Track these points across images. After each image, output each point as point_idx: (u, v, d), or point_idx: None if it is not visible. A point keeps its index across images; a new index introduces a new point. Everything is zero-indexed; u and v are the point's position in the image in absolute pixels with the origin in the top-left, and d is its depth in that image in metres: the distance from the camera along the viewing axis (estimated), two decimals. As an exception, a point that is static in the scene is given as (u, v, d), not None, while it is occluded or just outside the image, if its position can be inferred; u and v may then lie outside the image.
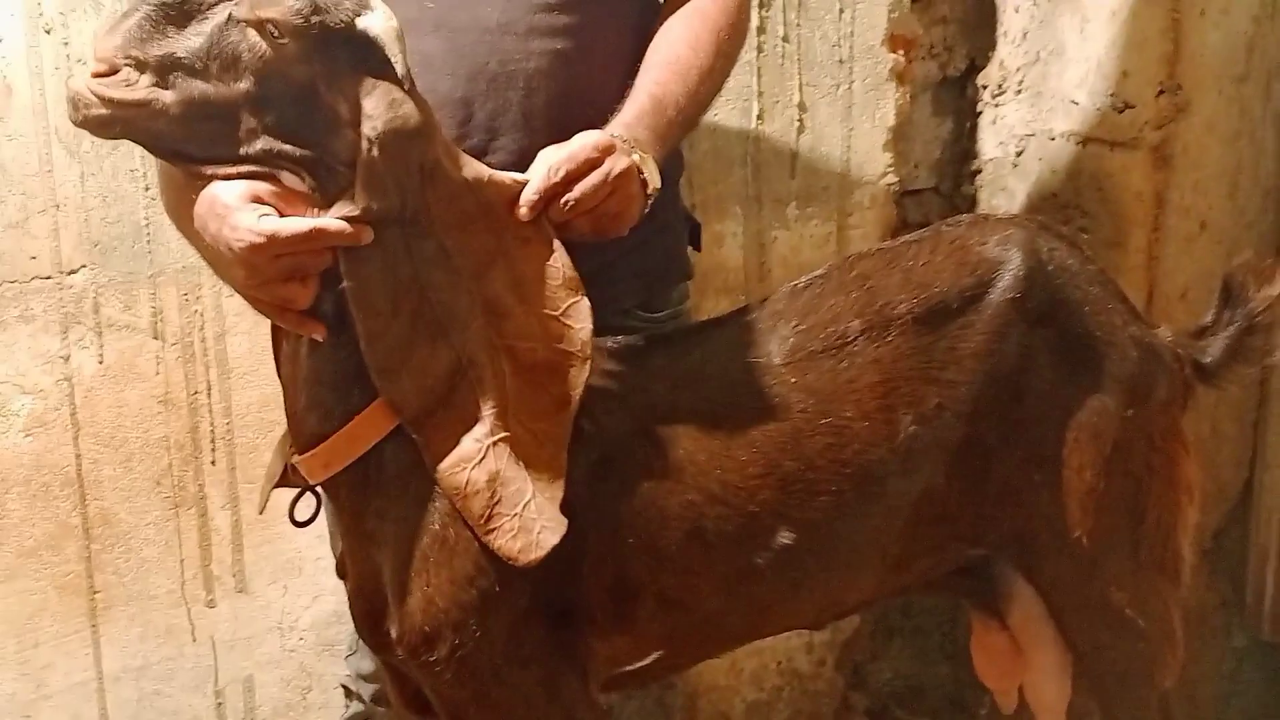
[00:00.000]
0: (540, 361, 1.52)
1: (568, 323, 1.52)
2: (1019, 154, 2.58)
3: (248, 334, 2.26)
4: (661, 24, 1.77)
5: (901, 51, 2.57)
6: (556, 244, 1.52)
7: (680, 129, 1.70)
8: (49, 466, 2.22)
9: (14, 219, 2.13)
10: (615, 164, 1.54)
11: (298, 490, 1.62)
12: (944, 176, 2.74)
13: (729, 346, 1.65)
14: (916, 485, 1.66)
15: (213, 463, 2.31)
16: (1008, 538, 1.73)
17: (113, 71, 1.40)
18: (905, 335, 1.63)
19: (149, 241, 2.20)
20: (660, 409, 1.60)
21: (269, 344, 1.62)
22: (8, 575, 2.23)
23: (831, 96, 2.53)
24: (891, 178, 2.61)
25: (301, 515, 1.63)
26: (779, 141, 2.52)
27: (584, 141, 1.54)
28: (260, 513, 1.65)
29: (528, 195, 1.50)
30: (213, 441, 2.30)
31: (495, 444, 1.48)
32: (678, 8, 1.78)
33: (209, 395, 2.29)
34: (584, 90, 1.71)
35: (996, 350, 1.64)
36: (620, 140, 1.57)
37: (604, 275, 1.61)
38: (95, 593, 2.29)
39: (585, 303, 1.53)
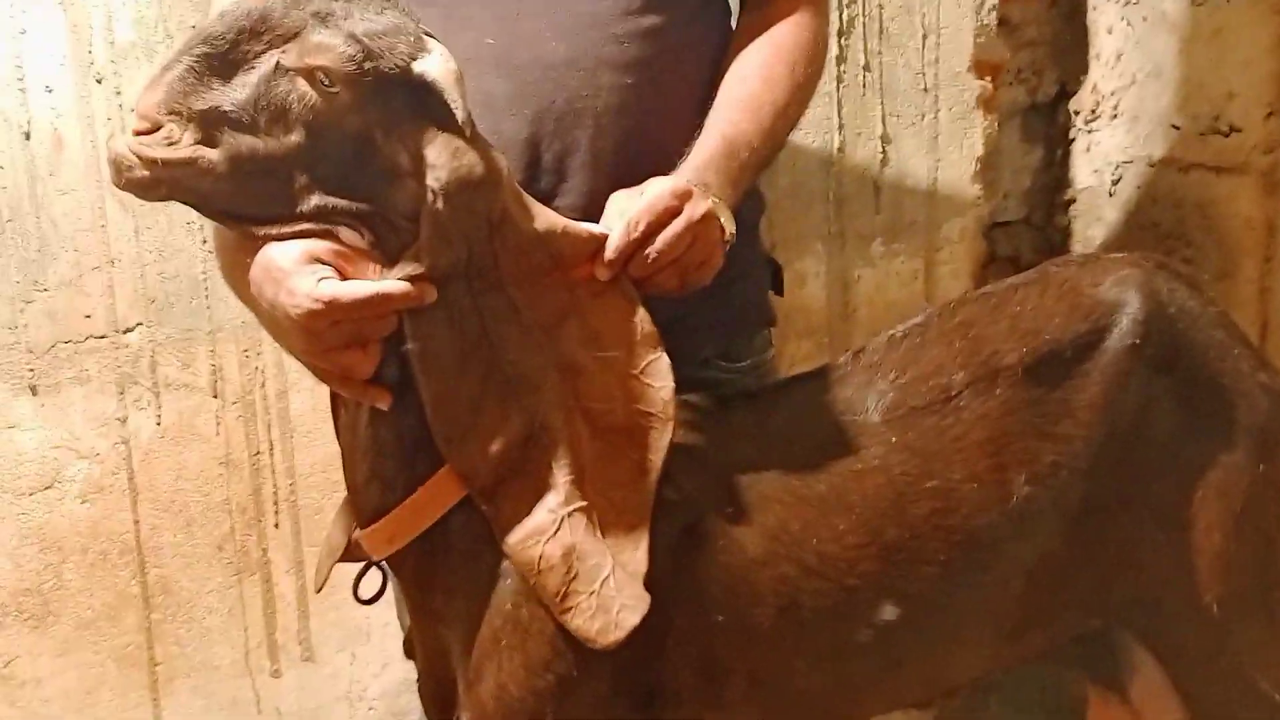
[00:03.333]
0: (618, 424, 1.43)
1: (647, 381, 1.44)
2: (1115, 182, 2.53)
3: (310, 391, 2.24)
4: (734, 56, 1.68)
5: (988, 77, 2.55)
6: (635, 297, 1.44)
7: (754, 170, 1.61)
8: (106, 534, 2.21)
9: (67, 276, 2.12)
10: (695, 209, 1.44)
11: (361, 565, 1.54)
12: (1035, 207, 2.70)
13: (822, 403, 1.56)
14: (1032, 551, 1.55)
15: (276, 526, 2.29)
16: (1129, 604, 1.63)
17: (155, 129, 1.31)
18: (1015, 387, 1.53)
19: (207, 297, 2.19)
20: (749, 473, 1.50)
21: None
22: (65, 648, 2.21)
23: (916, 126, 2.50)
24: (981, 210, 2.57)
25: (366, 593, 1.55)
26: (862, 175, 2.49)
27: (661, 189, 1.44)
28: (318, 590, 1.58)
29: (608, 255, 1.41)
30: (276, 504, 2.28)
31: (571, 515, 1.39)
32: (752, 38, 1.68)
33: (271, 455, 2.27)
34: (656, 127, 1.62)
35: (1115, 401, 1.54)
36: (694, 185, 1.48)
37: (680, 326, 1.51)
38: (156, 664, 2.27)
39: (665, 360, 1.44)
